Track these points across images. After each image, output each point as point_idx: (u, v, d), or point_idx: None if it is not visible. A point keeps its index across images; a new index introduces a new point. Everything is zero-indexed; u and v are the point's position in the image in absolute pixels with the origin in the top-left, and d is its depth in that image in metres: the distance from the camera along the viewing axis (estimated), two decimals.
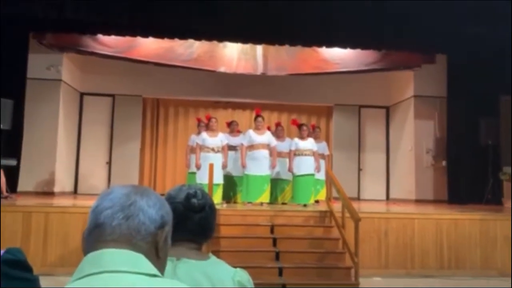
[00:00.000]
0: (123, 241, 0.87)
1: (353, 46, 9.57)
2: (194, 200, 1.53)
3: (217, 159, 7.58)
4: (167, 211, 0.96)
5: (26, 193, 8.87)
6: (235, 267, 1.53)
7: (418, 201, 10.13)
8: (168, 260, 1.41)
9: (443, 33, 8.70)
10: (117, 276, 0.81)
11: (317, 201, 8.43)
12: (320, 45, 9.70)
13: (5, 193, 7.80)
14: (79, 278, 0.82)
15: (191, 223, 1.51)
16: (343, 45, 9.57)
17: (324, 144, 9.22)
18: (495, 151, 9.44)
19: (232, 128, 8.83)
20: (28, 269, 1.34)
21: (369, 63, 10.25)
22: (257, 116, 8.19)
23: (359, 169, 11.80)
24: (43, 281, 1.36)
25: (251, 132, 8.00)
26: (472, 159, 9.58)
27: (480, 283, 6.32)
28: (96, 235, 0.89)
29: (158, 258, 0.91)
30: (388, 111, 11.97)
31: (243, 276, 1.50)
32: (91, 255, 0.86)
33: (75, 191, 10.92)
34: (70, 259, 6.12)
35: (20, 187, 8.96)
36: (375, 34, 8.74)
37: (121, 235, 0.87)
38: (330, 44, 9.59)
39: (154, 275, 0.84)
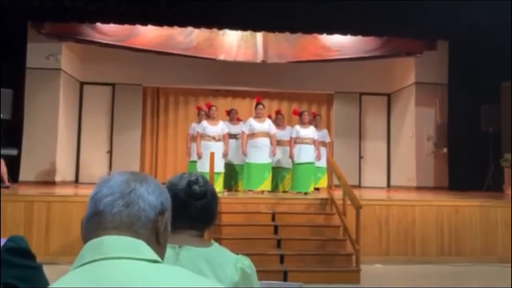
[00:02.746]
0: (124, 228, 0.87)
1: (353, 33, 9.50)
2: (195, 187, 1.53)
3: (218, 148, 7.58)
4: (166, 197, 0.96)
5: (27, 183, 8.88)
6: (237, 254, 1.54)
7: (419, 188, 10.14)
8: (170, 247, 1.41)
9: (444, 20, 8.63)
10: (119, 262, 0.81)
11: (317, 189, 8.44)
12: (320, 32, 9.64)
13: (6, 183, 7.82)
14: (81, 265, 0.82)
15: (193, 210, 1.51)
16: (344, 32, 9.51)
17: (325, 131, 9.20)
18: (496, 138, 9.42)
19: (232, 116, 8.80)
20: (31, 256, 1.34)
21: (370, 50, 10.18)
22: (258, 103, 8.16)
23: (360, 157, 11.79)
24: (46, 270, 1.36)
25: (251, 120, 7.98)
26: (473, 146, 9.56)
27: (480, 269, 6.35)
28: (96, 223, 0.88)
29: (158, 244, 0.91)
30: (389, 98, 11.93)
31: (245, 262, 1.51)
32: (92, 242, 0.86)
33: (76, 180, 10.93)
34: (73, 247, 6.14)
35: (22, 177, 8.97)
36: (376, 20, 8.68)
37: (121, 223, 0.87)
38: (330, 31, 9.52)
39: (156, 261, 0.84)
